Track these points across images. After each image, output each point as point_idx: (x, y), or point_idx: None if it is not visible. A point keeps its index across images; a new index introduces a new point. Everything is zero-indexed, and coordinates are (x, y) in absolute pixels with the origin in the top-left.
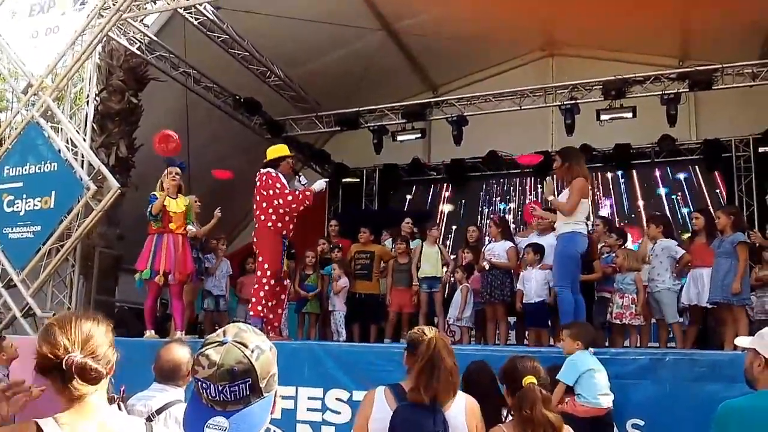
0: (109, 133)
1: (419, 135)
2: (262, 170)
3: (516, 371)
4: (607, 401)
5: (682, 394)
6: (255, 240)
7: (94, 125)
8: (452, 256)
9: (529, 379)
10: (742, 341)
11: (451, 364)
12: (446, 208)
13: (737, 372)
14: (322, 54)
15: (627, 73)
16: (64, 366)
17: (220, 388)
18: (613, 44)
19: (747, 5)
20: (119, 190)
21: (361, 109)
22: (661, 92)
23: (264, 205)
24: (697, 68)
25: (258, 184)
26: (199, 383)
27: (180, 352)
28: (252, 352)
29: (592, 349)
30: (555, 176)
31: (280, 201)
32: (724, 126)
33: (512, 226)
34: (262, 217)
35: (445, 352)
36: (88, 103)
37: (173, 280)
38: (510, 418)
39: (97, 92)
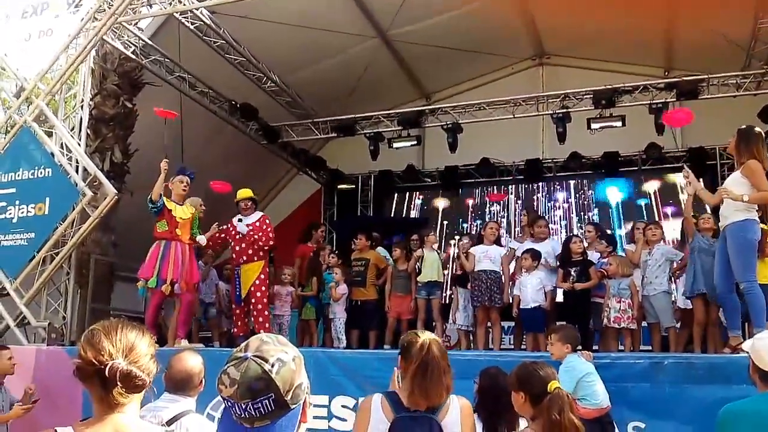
0: (103, 138)
1: (415, 142)
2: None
3: (535, 377)
4: (606, 401)
5: (681, 397)
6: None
7: (88, 130)
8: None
9: (555, 384)
10: (746, 345)
11: (444, 365)
12: (441, 215)
13: (733, 374)
14: (318, 61)
15: (614, 82)
16: (107, 373)
17: (243, 406)
18: (601, 54)
19: (729, 18)
20: (115, 197)
21: (357, 116)
22: (649, 102)
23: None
24: (684, 78)
25: (267, 225)
26: (226, 401)
27: (192, 362)
28: (272, 366)
29: (591, 354)
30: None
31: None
32: (709, 134)
33: (503, 232)
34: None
35: (438, 353)
36: (82, 108)
37: (179, 290)
38: (524, 425)
39: (91, 96)
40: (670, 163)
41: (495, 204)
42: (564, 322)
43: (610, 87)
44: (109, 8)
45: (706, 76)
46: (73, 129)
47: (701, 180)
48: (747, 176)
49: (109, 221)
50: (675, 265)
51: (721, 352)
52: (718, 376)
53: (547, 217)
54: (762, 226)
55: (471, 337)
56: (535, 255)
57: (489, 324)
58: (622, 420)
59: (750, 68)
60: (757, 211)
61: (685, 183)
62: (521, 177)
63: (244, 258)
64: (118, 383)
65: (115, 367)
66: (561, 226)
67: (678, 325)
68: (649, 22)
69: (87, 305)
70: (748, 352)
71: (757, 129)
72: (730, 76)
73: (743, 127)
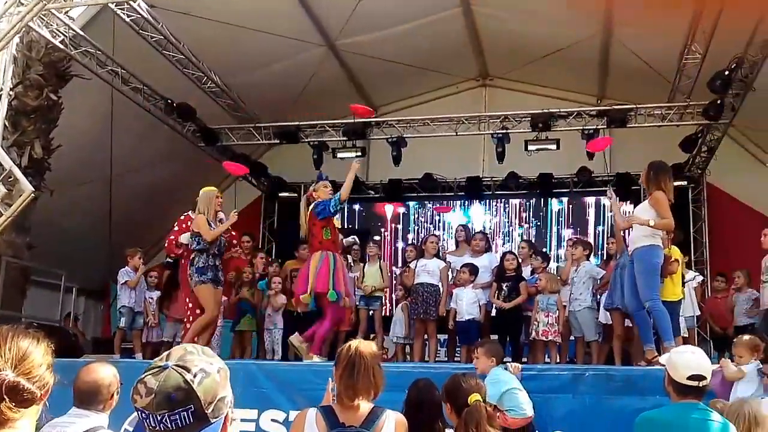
0: (23, 131)
1: (360, 154)
2: None
3: (460, 389)
4: (530, 410)
5: (600, 407)
6: None
7: (6, 122)
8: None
9: (475, 397)
10: (663, 358)
11: (374, 364)
12: (383, 227)
13: (649, 385)
14: (263, 65)
15: (551, 107)
16: None
17: (159, 417)
18: (540, 80)
19: (658, 54)
20: (32, 195)
21: (301, 123)
22: (581, 127)
23: None
24: (614, 107)
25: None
26: (140, 413)
27: (102, 373)
28: (194, 376)
29: (519, 366)
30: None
31: None
32: (636, 161)
33: (441, 245)
34: None
35: (367, 353)
36: (0, 98)
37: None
38: None
39: (12, 86)
40: (599, 187)
41: (439, 217)
42: (495, 336)
43: (546, 111)
44: None
45: (634, 106)
46: None
47: (626, 203)
48: (653, 205)
49: (25, 221)
50: (598, 283)
51: (638, 364)
52: (634, 387)
53: (486, 233)
54: (665, 251)
55: (407, 349)
56: (473, 269)
57: (426, 336)
58: (544, 429)
59: (674, 101)
60: (661, 237)
61: (611, 202)
62: (462, 193)
63: None
64: (5, 397)
65: (1, 379)
66: (499, 243)
67: (600, 339)
68: (585, 51)
69: None
70: (664, 365)
71: (666, 163)
72: (656, 107)
73: (654, 161)
